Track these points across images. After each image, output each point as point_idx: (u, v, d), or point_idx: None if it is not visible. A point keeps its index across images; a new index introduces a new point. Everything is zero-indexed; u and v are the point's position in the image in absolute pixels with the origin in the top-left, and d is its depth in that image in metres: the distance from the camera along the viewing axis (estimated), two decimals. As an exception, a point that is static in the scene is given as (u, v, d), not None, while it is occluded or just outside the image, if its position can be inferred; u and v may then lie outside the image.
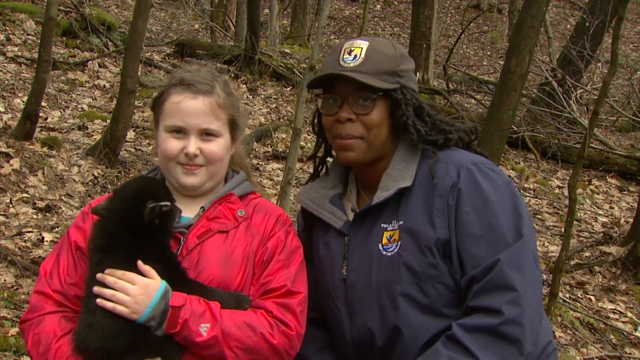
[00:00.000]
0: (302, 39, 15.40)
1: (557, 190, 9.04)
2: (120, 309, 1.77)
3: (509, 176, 6.73)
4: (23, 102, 6.67)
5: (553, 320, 4.96)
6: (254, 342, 1.83)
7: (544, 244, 6.89)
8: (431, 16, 11.68)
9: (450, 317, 1.90)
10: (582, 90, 10.69)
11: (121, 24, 11.41)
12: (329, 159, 2.30)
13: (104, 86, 8.67)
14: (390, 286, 1.95)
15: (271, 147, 8.13)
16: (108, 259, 1.84)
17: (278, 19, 13.85)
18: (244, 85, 10.19)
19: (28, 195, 5.35)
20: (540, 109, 10.31)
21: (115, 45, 10.22)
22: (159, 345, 1.80)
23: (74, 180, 5.84)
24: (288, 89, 10.67)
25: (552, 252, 6.63)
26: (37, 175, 5.66)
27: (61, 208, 5.33)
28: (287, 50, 13.13)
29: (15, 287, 4.19)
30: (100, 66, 9.26)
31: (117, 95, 6.59)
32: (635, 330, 5.40)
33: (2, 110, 6.83)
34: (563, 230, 5.48)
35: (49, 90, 7.46)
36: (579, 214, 7.77)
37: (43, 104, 6.68)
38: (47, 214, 5.20)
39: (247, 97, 9.76)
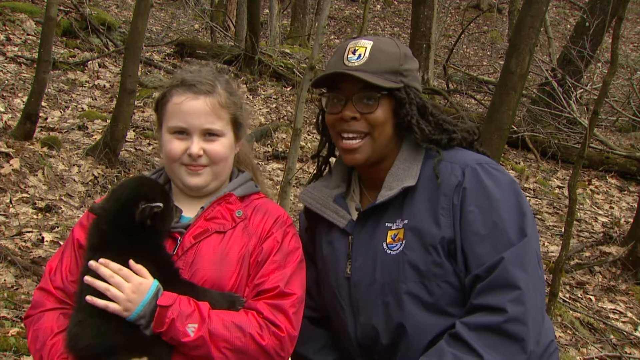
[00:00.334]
0: (302, 39, 15.40)
1: (557, 190, 9.04)
2: (113, 306, 1.77)
3: (509, 176, 6.71)
4: (23, 102, 6.66)
5: (553, 320, 4.96)
6: (242, 343, 1.82)
7: (544, 244, 6.88)
8: (431, 16, 11.69)
9: (455, 316, 1.91)
10: (582, 90, 10.67)
11: (121, 24, 11.39)
12: (332, 159, 2.30)
13: (104, 86, 8.66)
14: (395, 285, 1.95)
15: (271, 147, 8.13)
16: (100, 258, 1.84)
17: (278, 19, 13.85)
18: (244, 85, 10.19)
19: (28, 195, 5.34)
20: (540, 109, 10.30)
21: (115, 45, 10.22)
22: (147, 345, 1.80)
23: (74, 180, 5.83)
24: (288, 89, 10.67)
25: (552, 252, 6.63)
26: (37, 175, 5.66)
27: (61, 208, 5.32)
28: (287, 50, 13.13)
29: (15, 287, 4.18)
30: (100, 66, 9.25)
31: (117, 95, 6.59)
32: (635, 330, 5.40)
33: (2, 110, 6.83)
34: (563, 230, 5.47)
35: (49, 90, 7.46)
36: (579, 214, 7.77)
37: (43, 104, 6.68)
38: (47, 214, 5.19)
39: (247, 97, 9.76)
